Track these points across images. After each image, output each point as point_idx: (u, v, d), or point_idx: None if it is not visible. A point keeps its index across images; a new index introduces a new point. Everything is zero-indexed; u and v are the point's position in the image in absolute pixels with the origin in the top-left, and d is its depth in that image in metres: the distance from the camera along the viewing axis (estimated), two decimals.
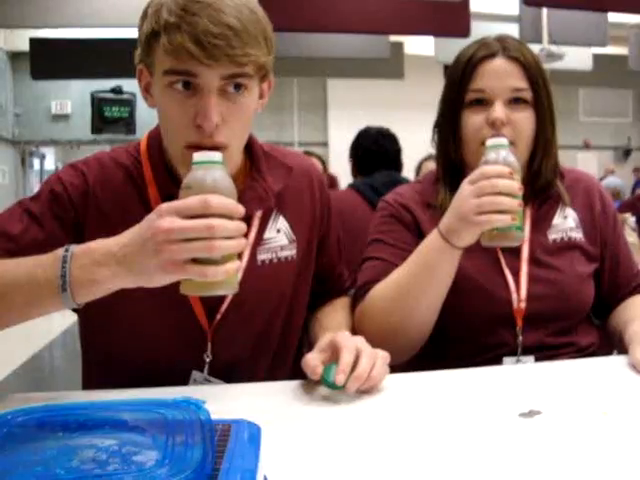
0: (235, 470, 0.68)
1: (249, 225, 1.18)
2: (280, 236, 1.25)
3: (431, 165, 3.82)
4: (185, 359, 1.17)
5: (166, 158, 1.17)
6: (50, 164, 10.97)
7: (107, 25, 4.33)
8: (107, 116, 8.97)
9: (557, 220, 1.39)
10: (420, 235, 1.35)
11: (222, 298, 1.18)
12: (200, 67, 1.00)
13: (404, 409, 0.99)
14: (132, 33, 1.27)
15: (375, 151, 2.76)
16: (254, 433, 0.76)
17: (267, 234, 1.23)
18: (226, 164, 0.94)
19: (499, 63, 1.30)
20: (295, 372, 1.19)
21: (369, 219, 2.45)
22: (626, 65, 6.82)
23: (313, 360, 1.05)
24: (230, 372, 1.19)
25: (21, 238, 1.10)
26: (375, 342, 1.10)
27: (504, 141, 1.17)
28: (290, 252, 1.26)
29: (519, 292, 1.31)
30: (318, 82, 9.29)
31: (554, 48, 5.78)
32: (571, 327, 1.35)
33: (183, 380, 1.17)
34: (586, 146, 9.99)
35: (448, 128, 1.36)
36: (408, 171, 3.42)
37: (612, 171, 9.57)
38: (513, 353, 1.30)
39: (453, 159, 1.38)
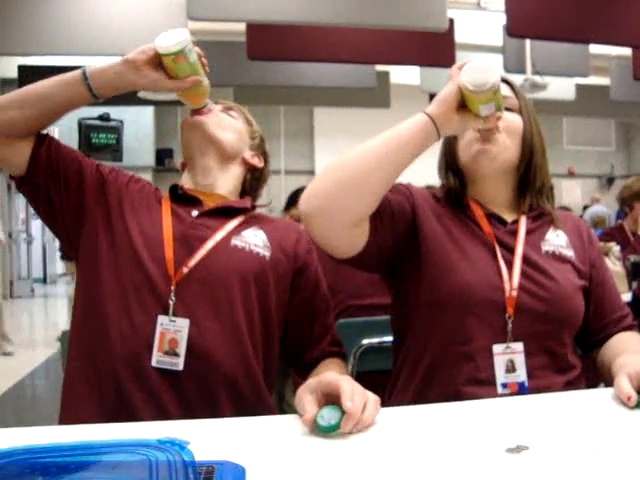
0: None
1: (230, 219, 1.48)
2: (256, 239, 1.48)
3: None
4: (153, 306, 1.35)
5: None
6: None
7: (95, 53, 4.34)
8: (94, 143, 8.95)
9: (550, 236, 1.45)
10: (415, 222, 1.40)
11: (191, 254, 1.40)
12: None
13: (392, 445, 0.98)
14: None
15: None
16: (239, 474, 0.74)
17: (245, 232, 1.48)
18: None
19: None
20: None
21: None
22: (608, 95, 6.93)
23: (308, 406, 1.05)
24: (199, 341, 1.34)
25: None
26: (321, 199, 1.21)
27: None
28: (262, 251, 1.47)
29: (511, 281, 1.34)
30: (305, 111, 9.35)
31: (538, 78, 5.86)
32: (559, 336, 1.36)
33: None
34: (570, 174, 10.09)
35: (449, 142, 1.47)
36: None
37: (598, 199, 9.67)
38: (503, 341, 1.32)
39: (459, 172, 1.47)
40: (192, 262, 1.39)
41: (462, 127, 1.28)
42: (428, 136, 1.23)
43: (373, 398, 1.08)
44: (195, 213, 1.48)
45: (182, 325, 1.34)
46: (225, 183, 1.58)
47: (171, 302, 1.35)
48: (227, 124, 1.61)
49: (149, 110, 8.53)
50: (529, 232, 1.43)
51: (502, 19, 4.50)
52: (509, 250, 1.39)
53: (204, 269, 1.39)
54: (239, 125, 1.65)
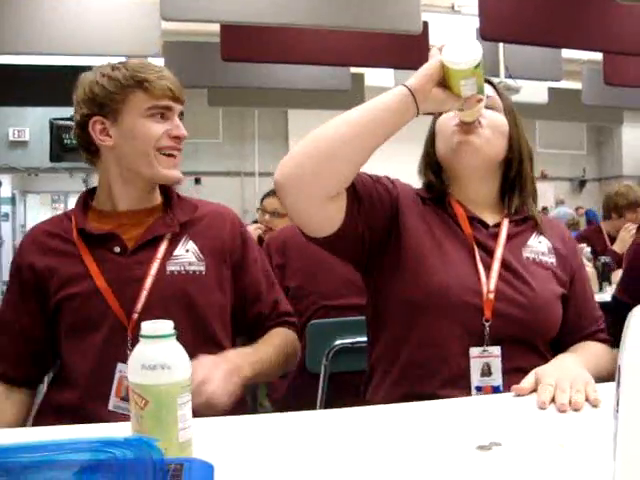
0: None
1: (159, 243, 1.46)
2: (189, 255, 1.48)
3: None
4: (113, 354, 1.38)
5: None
6: (7, 191, 10.76)
7: (68, 53, 4.30)
8: (66, 144, 8.83)
9: (532, 242, 1.44)
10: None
11: (136, 299, 1.41)
12: (172, 102, 1.49)
13: (365, 443, 0.98)
14: (92, 61, 1.60)
15: None
16: (207, 472, 0.73)
17: (177, 252, 1.47)
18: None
19: None
20: None
21: None
22: (580, 99, 7.01)
23: None
24: None
25: None
26: (295, 167, 1.23)
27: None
28: (198, 268, 1.48)
29: (489, 285, 1.33)
30: (279, 113, 9.33)
31: (511, 82, 5.92)
32: (535, 342, 1.36)
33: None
34: (543, 177, 10.19)
35: (430, 138, 1.48)
36: None
37: (562, 201, 9.81)
38: (480, 344, 1.31)
39: (436, 161, 1.47)
40: (139, 306, 1.40)
41: (442, 104, 1.24)
42: (407, 108, 1.21)
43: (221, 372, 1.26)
44: (117, 250, 1.45)
45: None
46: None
47: (129, 352, 1.35)
48: None
49: None
50: (511, 236, 1.42)
51: (476, 22, 4.53)
52: (489, 253, 1.38)
53: (150, 311, 1.38)
54: None
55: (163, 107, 1.47)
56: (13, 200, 10.99)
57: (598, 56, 5.72)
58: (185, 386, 0.87)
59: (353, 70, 6.37)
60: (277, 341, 1.54)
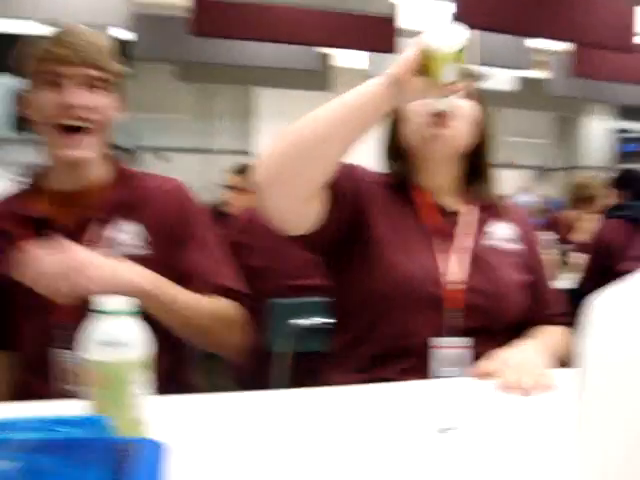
0: None
1: (91, 226, 1.34)
2: (130, 237, 1.36)
3: None
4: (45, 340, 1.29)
5: None
6: None
7: (30, 19, 4.18)
8: None
9: (496, 228, 1.44)
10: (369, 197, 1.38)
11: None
12: (62, 67, 1.30)
13: (321, 424, 0.97)
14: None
15: None
16: (158, 451, 0.71)
17: (115, 234, 1.35)
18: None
19: None
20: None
21: None
22: (546, 88, 7.07)
23: None
24: None
25: None
26: (275, 166, 1.18)
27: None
28: (142, 250, 1.35)
29: (448, 274, 1.32)
30: (244, 90, 9.23)
31: (484, 69, 5.93)
32: (500, 329, 1.36)
33: None
34: (509, 165, 10.29)
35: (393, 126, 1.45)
36: None
37: (527, 189, 9.94)
38: (442, 334, 1.30)
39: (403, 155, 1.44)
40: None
41: (423, 92, 1.17)
42: (388, 98, 1.16)
43: None
44: (54, 234, 1.30)
45: None
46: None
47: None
48: None
49: None
50: (474, 223, 1.42)
51: (447, 7, 4.52)
52: (450, 241, 1.38)
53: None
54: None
55: (48, 72, 1.31)
56: None
57: (566, 47, 5.77)
58: (140, 364, 0.84)
59: (322, 50, 6.31)
60: (208, 300, 1.37)
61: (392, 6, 4.38)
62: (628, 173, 3.87)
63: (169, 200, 1.43)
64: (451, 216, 1.41)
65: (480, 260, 1.36)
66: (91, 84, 1.33)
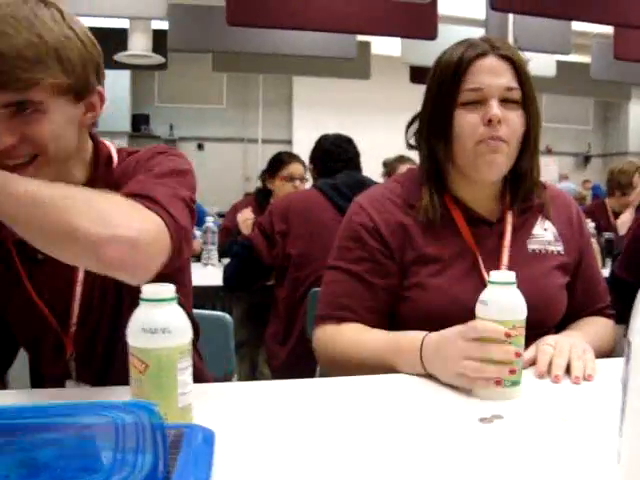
0: (187, 477, 0.65)
1: None
2: None
3: (403, 167, 3.82)
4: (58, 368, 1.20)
5: None
6: None
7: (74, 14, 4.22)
8: None
9: (537, 230, 1.39)
10: (399, 241, 1.33)
11: (69, 310, 1.18)
12: None
13: (364, 413, 0.98)
14: (93, 22, 1.28)
15: (334, 153, 2.76)
16: (208, 438, 0.73)
17: None
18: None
19: (492, 62, 1.29)
20: None
21: (331, 218, 2.44)
22: (588, 73, 6.93)
23: None
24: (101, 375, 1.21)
25: None
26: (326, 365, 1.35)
27: (510, 277, 1.07)
28: None
29: None
30: (284, 80, 9.24)
31: (521, 54, 5.83)
32: (542, 334, 1.33)
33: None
34: (548, 151, 10.13)
35: (439, 128, 1.32)
36: (372, 171, 3.42)
37: (566, 176, 9.76)
38: None
39: (440, 162, 1.35)
40: (74, 318, 1.20)
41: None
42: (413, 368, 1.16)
43: None
44: (40, 256, 1.14)
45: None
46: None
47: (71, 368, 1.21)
48: None
49: (125, 74, 8.36)
50: (515, 229, 1.36)
51: None
52: (495, 257, 1.33)
53: (86, 319, 1.20)
54: None
55: None
56: None
57: (608, 30, 5.64)
58: (185, 351, 0.86)
59: (359, 38, 6.27)
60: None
61: None
62: None
63: (132, 166, 1.19)
64: (491, 227, 1.36)
65: (523, 269, 1.26)
66: (25, 109, 1.02)
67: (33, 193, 0.91)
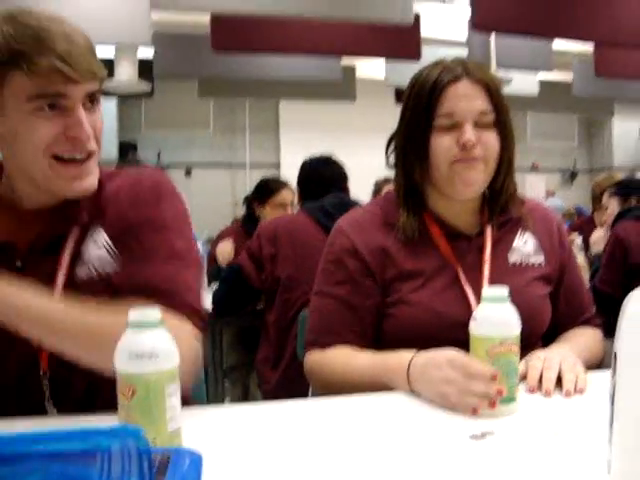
0: None
1: (63, 245, 1.14)
2: (100, 249, 1.15)
3: (387, 188, 3.84)
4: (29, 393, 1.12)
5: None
6: None
7: None
8: None
9: (517, 243, 1.39)
10: (379, 261, 1.34)
11: None
12: (68, 86, 1.06)
13: (355, 433, 0.97)
14: None
15: (320, 176, 2.76)
16: (195, 462, 0.72)
17: (84, 248, 1.15)
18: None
19: (465, 86, 1.30)
20: None
21: (319, 239, 2.44)
22: (570, 91, 7.01)
23: None
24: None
25: None
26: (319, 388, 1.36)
27: (502, 293, 1.07)
28: (110, 265, 1.15)
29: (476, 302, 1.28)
30: (270, 104, 9.28)
31: (502, 73, 5.90)
32: (526, 349, 1.33)
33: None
34: (534, 168, 10.20)
35: (414, 151, 1.34)
36: (360, 192, 3.42)
37: (552, 193, 9.83)
38: None
39: (416, 181, 1.37)
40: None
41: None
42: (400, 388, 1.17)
43: None
44: (19, 263, 1.12)
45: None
46: None
47: (45, 387, 1.12)
48: None
49: (112, 102, 8.38)
50: (495, 242, 1.37)
51: (467, 13, 4.51)
52: (476, 271, 1.33)
53: None
54: None
55: (52, 95, 1.05)
56: None
57: (589, 48, 5.72)
58: (173, 375, 0.85)
59: (344, 62, 6.33)
60: (116, 315, 0.97)
61: (414, 14, 4.37)
62: (631, 181, 3.84)
63: (133, 196, 1.21)
64: (470, 240, 1.37)
65: (504, 281, 1.25)
66: (92, 101, 1.12)
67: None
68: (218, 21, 4.63)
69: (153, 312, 0.85)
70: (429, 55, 3.90)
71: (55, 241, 1.15)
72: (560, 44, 5.72)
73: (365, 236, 1.37)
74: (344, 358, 1.31)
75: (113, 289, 1.13)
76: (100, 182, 1.19)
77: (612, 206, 3.36)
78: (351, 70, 7.01)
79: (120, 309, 0.93)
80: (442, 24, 5.71)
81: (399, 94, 6.81)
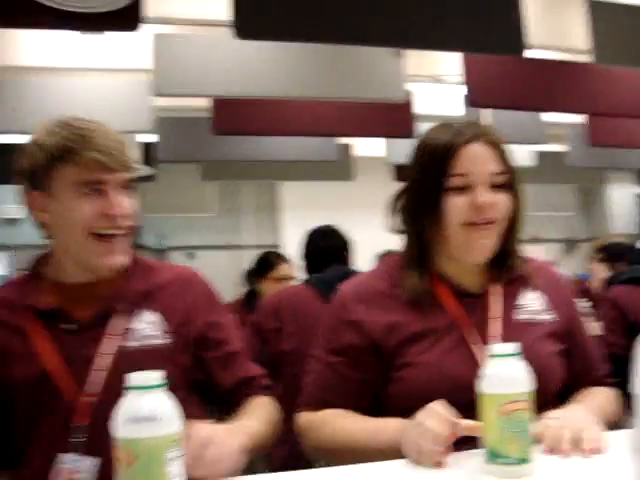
0: None
1: (112, 318, 1.34)
2: (149, 327, 1.36)
3: None
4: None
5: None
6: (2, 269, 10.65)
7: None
8: None
9: (524, 301, 1.39)
10: (383, 330, 1.34)
11: (85, 381, 1.28)
12: (106, 174, 1.31)
13: None
14: None
15: (321, 249, 2.78)
16: None
17: (136, 325, 1.36)
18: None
19: (479, 148, 1.32)
20: None
21: (322, 311, 2.43)
22: (565, 161, 7.10)
23: None
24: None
25: None
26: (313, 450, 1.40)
27: (510, 349, 1.07)
28: (160, 341, 1.36)
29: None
30: (268, 185, 9.40)
31: None
32: (540, 408, 1.30)
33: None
34: (535, 240, 10.25)
35: (425, 211, 1.34)
36: (361, 268, 3.43)
37: (554, 263, 9.85)
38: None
39: (425, 241, 1.36)
40: (90, 389, 1.28)
41: None
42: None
43: (232, 444, 1.10)
44: (67, 327, 1.34)
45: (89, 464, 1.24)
46: None
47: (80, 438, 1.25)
48: None
49: None
50: (502, 300, 1.37)
51: (459, 91, 4.63)
52: (483, 327, 1.32)
53: (106, 393, 1.25)
54: None
55: (94, 182, 1.31)
56: None
57: (581, 118, 5.84)
58: (175, 440, 0.82)
59: (340, 141, 6.45)
60: (263, 413, 1.42)
61: (406, 92, 4.49)
62: (617, 246, 3.85)
63: (190, 289, 1.47)
64: (477, 298, 1.37)
65: (512, 339, 1.26)
66: (126, 187, 1.36)
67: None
68: (218, 105, 4.74)
69: (154, 375, 0.84)
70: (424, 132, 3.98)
71: (101, 315, 1.34)
72: (553, 116, 5.84)
73: (368, 306, 1.37)
74: (334, 421, 1.32)
75: (161, 362, 1.19)
76: (145, 269, 1.44)
77: (600, 272, 3.36)
78: (346, 148, 7.12)
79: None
80: (436, 101, 5.84)
81: (399, 171, 6.89)
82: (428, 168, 1.33)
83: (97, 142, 1.30)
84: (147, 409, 0.81)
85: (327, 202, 9.02)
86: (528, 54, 3.60)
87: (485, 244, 1.32)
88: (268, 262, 3.59)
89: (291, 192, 9.31)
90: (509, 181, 1.34)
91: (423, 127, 5.17)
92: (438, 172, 1.31)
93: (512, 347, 1.06)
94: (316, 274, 2.69)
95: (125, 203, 1.34)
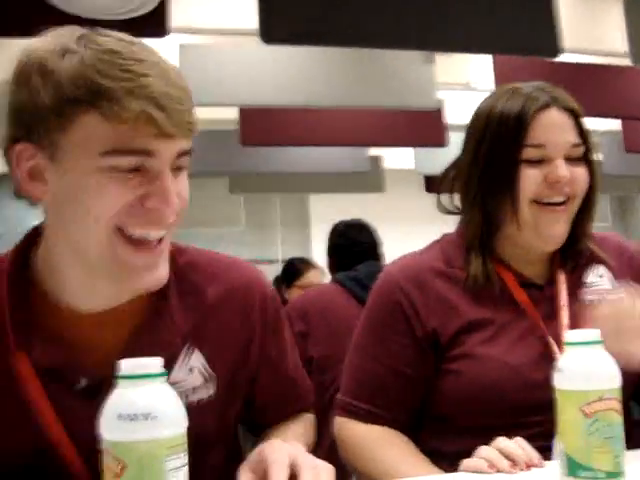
0: None
1: None
2: (193, 376, 0.99)
3: None
4: None
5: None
6: None
7: None
8: None
9: (592, 279, 1.27)
10: (439, 315, 1.22)
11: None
12: (159, 141, 0.81)
13: None
14: None
15: (353, 243, 2.63)
16: None
17: (176, 376, 0.97)
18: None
19: (555, 115, 1.20)
20: None
21: (354, 315, 2.34)
22: (600, 170, 6.96)
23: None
24: None
25: None
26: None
27: (591, 336, 0.89)
28: (207, 392, 1.01)
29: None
30: (299, 198, 9.37)
31: None
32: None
33: None
34: None
35: (497, 188, 1.20)
36: None
37: None
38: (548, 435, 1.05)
39: (495, 222, 1.24)
40: None
41: None
42: None
43: (326, 468, 0.86)
44: (80, 385, 0.93)
45: None
46: None
47: None
48: None
49: None
50: (568, 287, 1.25)
51: None
52: (551, 318, 1.20)
53: None
54: None
55: (137, 151, 0.82)
56: None
57: (616, 126, 5.70)
58: (177, 445, 0.64)
59: (371, 152, 6.39)
60: (302, 430, 1.20)
61: (438, 100, 4.42)
62: None
63: (247, 311, 1.08)
64: (541, 290, 1.25)
65: (584, 327, 1.18)
66: (180, 166, 0.89)
67: None
68: (245, 116, 4.71)
69: (152, 361, 0.66)
70: (458, 141, 3.89)
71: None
72: (587, 123, 5.73)
73: (422, 287, 1.23)
74: (380, 445, 1.19)
75: (208, 411, 1.00)
76: (188, 279, 1.01)
77: None
78: (378, 160, 7.06)
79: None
80: (467, 109, 5.76)
81: (429, 181, 6.81)
82: (498, 139, 1.20)
83: (150, 85, 0.80)
84: (142, 404, 0.62)
85: (358, 215, 8.96)
86: (561, 57, 3.51)
87: (557, 229, 1.18)
88: (294, 269, 3.50)
89: (321, 204, 9.26)
90: (586, 154, 1.22)
91: (457, 136, 5.13)
92: (511, 143, 1.18)
93: (593, 332, 0.88)
94: (346, 272, 2.52)
95: (177, 191, 0.87)
